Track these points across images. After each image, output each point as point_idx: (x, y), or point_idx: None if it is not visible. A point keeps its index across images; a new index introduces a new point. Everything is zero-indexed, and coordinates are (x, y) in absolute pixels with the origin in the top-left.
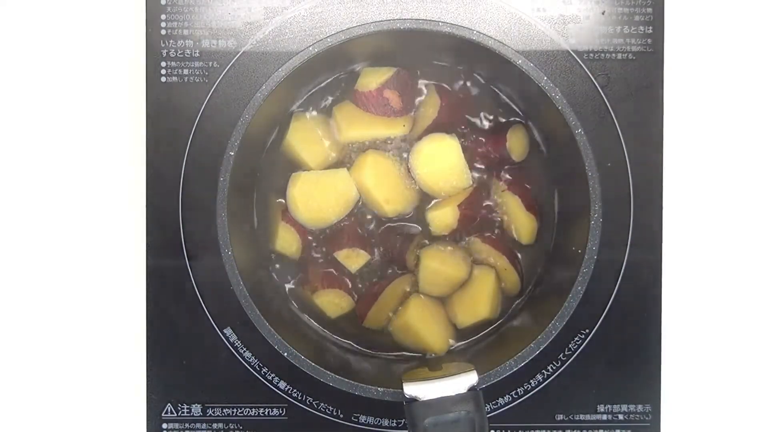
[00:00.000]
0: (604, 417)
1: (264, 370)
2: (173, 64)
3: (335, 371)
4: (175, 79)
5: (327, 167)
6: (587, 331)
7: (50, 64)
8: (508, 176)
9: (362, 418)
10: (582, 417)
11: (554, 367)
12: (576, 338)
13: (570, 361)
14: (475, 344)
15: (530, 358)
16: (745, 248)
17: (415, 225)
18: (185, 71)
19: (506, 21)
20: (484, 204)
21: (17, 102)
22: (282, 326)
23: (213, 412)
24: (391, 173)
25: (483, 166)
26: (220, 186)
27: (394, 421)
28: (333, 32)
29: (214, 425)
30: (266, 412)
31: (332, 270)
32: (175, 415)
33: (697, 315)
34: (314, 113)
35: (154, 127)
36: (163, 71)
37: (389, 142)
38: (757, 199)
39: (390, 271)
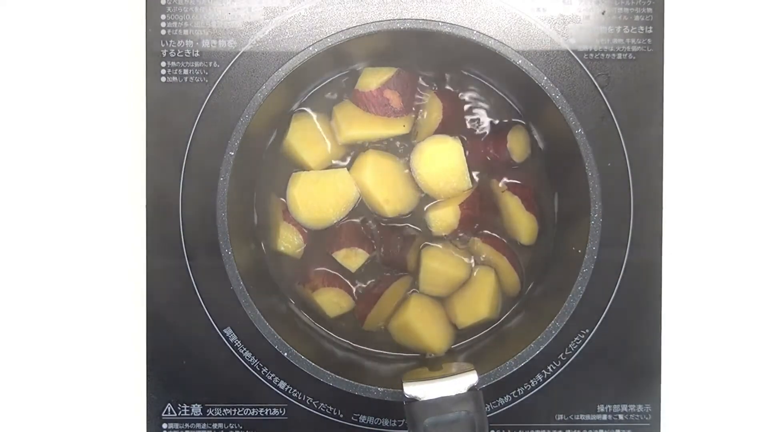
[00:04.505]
0: (604, 417)
1: (264, 370)
2: (173, 64)
3: (335, 371)
4: (175, 79)
5: (327, 167)
6: (587, 331)
7: (50, 64)
8: (508, 176)
9: (362, 418)
10: (582, 417)
11: (554, 367)
12: (576, 338)
13: (570, 361)
14: (475, 344)
15: (530, 358)
16: (745, 248)
17: (415, 225)
18: (185, 71)
19: (506, 21)
20: (484, 204)
21: (17, 102)
22: (282, 326)
23: (213, 412)
24: (391, 173)
25: (483, 167)
26: (220, 186)
27: (394, 421)
28: (333, 32)
29: (214, 425)
30: (266, 412)
31: (333, 270)
32: (175, 415)
33: (697, 315)
34: (314, 113)
35: (154, 127)
36: (163, 71)
37: (389, 142)
38: (757, 199)
39: (389, 273)
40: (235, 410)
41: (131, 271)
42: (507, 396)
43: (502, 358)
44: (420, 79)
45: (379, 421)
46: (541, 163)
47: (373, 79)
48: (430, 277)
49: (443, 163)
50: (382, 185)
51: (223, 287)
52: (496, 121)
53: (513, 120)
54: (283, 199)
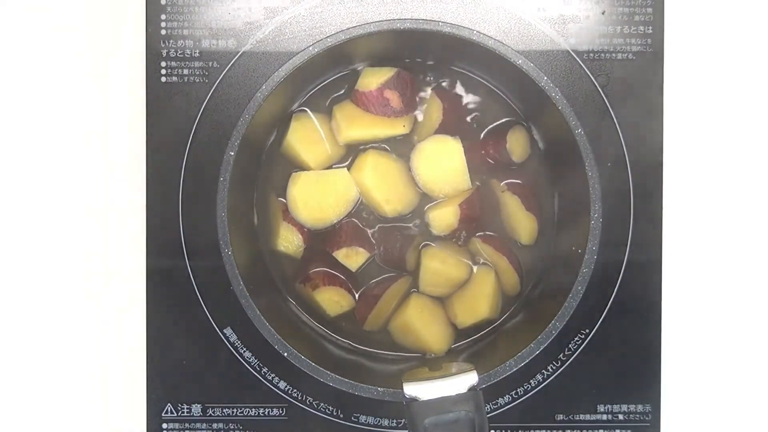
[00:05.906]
0: (604, 417)
1: (264, 370)
2: (173, 64)
3: (335, 371)
4: (175, 79)
5: (327, 167)
6: (587, 331)
7: (50, 64)
8: (508, 176)
9: (362, 418)
10: (582, 417)
11: (554, 367)
12: (576, 338)
13: (570, 361)
14: (475, 344)
15: (530, 358)
16: (746, 248)
17: (415, 225)
18: (185, 71)
19: (506, 21)
20: (484, 204)
21: (17, 102)
22: (282, 326)
23: (213, 412)
24: (392, 173)
25: (483, 167)
26: (220, 186)
27: (394, 421)
28: (333, 32)
29: (214, 425)
30: (266, 412)
31: (333, 269)
32: (175, 415)
33: (697, 315)
34: (314, 113)
35: (154, 127)
36: (163, 71)
37: (389, 142)
38: (757, 199)
39: (389, 273)
40: (235, 410)
41: (131, 271)
42: (507, 396)
43: (502, 358)
44: (420, 79)
45: (379, 421)
46: (541, 163)
47: (373, 79)
48: (430, 277)
49: (443, 163)
50: (382, 185)
51: (223, 287)
52: (496, 121)
53: (513, 120)
54: (283, 199)
